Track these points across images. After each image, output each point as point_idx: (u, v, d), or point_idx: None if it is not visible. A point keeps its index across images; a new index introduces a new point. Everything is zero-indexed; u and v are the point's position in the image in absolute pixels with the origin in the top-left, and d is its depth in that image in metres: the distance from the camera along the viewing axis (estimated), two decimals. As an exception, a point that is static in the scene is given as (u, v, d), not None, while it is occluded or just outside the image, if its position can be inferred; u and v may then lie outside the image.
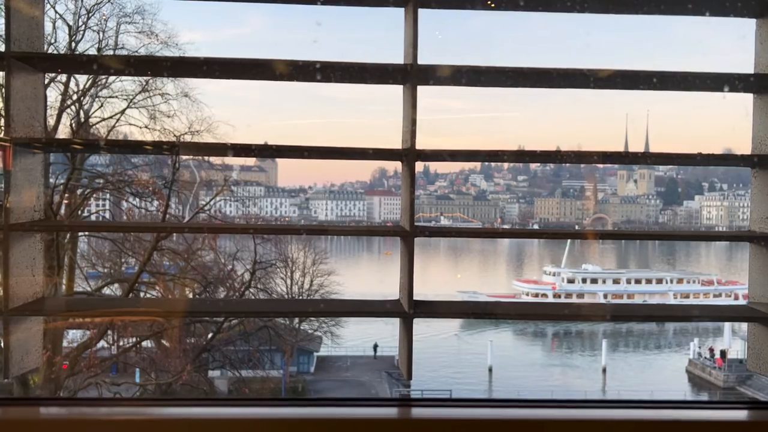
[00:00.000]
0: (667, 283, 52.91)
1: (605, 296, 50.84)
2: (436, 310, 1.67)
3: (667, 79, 1.65)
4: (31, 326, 1.60)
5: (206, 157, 20.85)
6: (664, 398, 1.72)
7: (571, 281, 53.51)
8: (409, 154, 1.56)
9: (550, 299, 49.20)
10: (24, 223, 1.54)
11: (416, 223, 1.59)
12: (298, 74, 1.58)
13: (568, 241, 43.61)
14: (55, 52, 17.18)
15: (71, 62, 2.22)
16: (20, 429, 1.49)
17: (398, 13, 1.62)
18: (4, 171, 1.50)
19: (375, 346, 38.78)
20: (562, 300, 46.65)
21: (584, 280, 53.81)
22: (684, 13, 1.66)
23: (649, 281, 53.77)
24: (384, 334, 38.11)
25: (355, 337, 38.55)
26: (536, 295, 52.14)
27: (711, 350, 39.29)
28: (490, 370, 38.06)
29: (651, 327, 46.98)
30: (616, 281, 53.91)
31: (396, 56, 1.64)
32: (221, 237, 22.72)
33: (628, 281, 53.52)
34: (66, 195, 18.84)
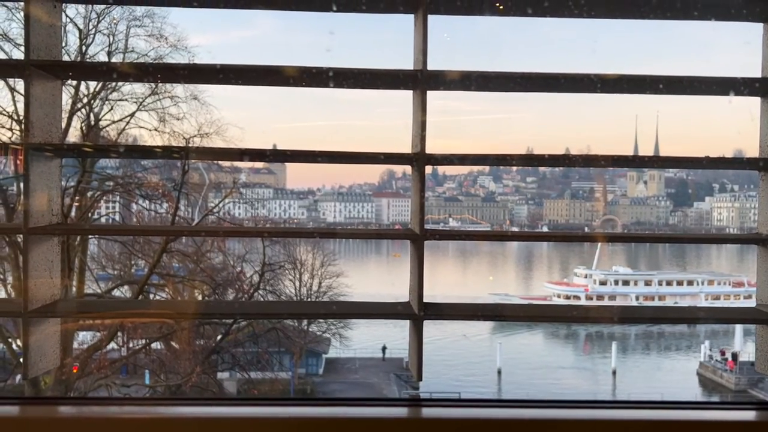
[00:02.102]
0: (698, 284, 51.60)
1: (637, 298, 49.82)
2: (446, 312, 1.68)
3: (673, 84, 1.65)
4: (48, 328, 1.63)
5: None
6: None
7: (603, 283, 52.31)
8: (419, 159, 1.58)
9: (583, 302, 47.68)
10: (44, 226, 1.57)
11: (426, 226, 1.61)
12: (312, 81, 1.60)
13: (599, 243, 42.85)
14: (66, 56, 17.33)
15: (89, 69, 2.25)
16: (39, 426, 1.53)
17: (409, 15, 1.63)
18: (23, 175, 1.53)
19: (383, 348, 38.75)
20: (594, 302, 45.82)
21: (616, 282, 52.65)
22: (690, 18, 1.67)
23: (680, 283, 52.50)
24: (392, 336, 38.05)
25: (364, 339, 38.52)
26: (568, 297, 51.01)
27: (722, 352, 38.88)
28: (499, 372, 37.92)
29: (682, 329, 45.95)
30: (647, 283, 52.66)
31: (406, 55, 1.65)
32: (230, 239, 22.73)
33: (660, 283, 52.29)
34: (76, 197, 18.96)
